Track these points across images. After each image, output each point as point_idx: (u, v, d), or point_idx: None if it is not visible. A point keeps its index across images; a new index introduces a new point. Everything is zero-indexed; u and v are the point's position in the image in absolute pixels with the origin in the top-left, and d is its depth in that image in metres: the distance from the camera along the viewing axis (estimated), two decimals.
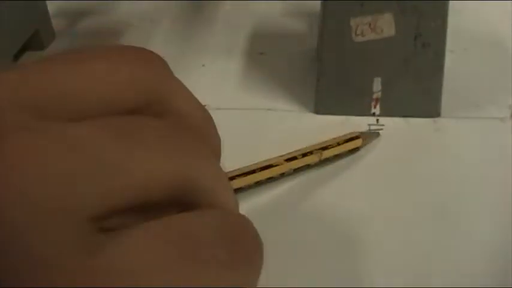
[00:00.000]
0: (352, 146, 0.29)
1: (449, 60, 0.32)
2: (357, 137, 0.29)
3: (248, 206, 0.26)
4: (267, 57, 0.37)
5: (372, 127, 0.32)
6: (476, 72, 0.36)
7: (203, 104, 0.16)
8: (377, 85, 0.32)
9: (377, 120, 0.32)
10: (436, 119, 0.32)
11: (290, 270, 0.24)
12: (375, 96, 0.32)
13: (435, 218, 0.26)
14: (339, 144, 0.28)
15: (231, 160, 0.28)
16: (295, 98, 0.34)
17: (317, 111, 0.33)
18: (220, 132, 0.17)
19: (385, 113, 0.32)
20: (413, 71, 0.31)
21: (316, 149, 0.28)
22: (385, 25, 0.30)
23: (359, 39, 0.30)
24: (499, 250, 0.25)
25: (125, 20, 0.42)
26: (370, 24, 0.30)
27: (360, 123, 0.32)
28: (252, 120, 0.32)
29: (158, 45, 0.39)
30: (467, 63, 0.37)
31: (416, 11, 0.30)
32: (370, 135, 0.30)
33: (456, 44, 0.37)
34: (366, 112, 0.32)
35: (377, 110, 0.32)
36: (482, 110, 0.33)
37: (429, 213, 0.26)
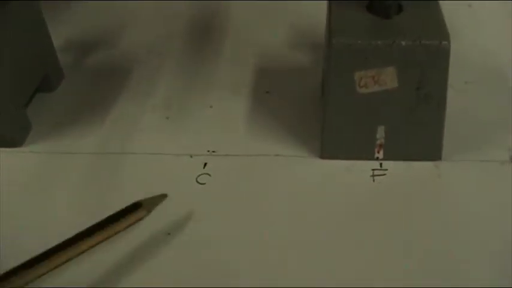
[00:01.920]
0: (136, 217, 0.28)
1: (449, 97, 0.33)
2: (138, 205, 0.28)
3: None
4: (273, 97, 0.38)
5: (376, 172, 0.33)
6: (477, 110, 0.37)
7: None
8: (380, 133, 0.33)
9: (380, 164, 0.33)
10: (437, 162, 0.33)
11: None
12: (378, 142, 0.33)
13: (438, 263, 0.28)
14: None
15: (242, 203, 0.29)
16: (301, 142, 0.35)
17: (323, 156, 0.34)
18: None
19: (389, 157, 0.33)
20: (415, 120, 0.32)
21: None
22: (388, 78, 0.31)
23: (363, 90, 0.31)
24: None
25: (132, 54, 0.43)
26: (373, 77, 0.31)
27: (364, 168, 0.33)
28: (260, 166, 0.34)
29: (166, 84, 0.40)
30: (467, 100, 0.38)
31: (418, 65, 0.31)
32: (155, 200, 0.29)
33: (456, 77, 0.38)
34: (370, 157, 0.33)
35: (380, 155, 0.33)
36: (482, 152, 0.34)
37: (432, 259, 0.28)
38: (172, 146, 0.35)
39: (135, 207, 0.28)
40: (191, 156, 0.34)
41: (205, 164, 0.33)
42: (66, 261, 0.26)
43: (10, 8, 0.35)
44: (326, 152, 0.34)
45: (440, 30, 0.31)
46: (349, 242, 0.29)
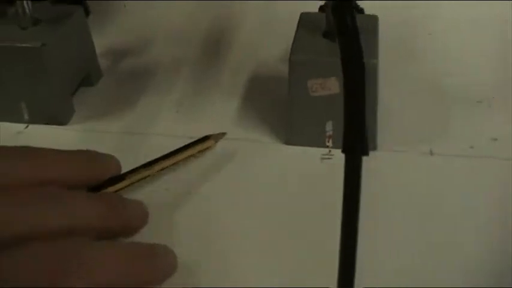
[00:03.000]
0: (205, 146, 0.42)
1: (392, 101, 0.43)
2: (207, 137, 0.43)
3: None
4: (262, 97, 0.50)
5: (324, 156, 0.44)
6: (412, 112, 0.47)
7: None
8: (329, 126, 0.44)
9: (329, 151, 0.44)
10: (373, 152, 0.44)
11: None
12: (327, 134, 0.44)
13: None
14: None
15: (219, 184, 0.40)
16: (275, 132, 0.46)
17: (287, 143, 0.45)
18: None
19: (336, 146, 0.44)
20: None
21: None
22: (332, 85, 0.42)
23: (314, 94, 0.42)
24: None
25: (157, 60, 0.55)
26: (321, 84, 0.42)
27: (316, 153, 0.44)
28: (240, 149, 0.45)
29: (180, 85, 0.52)
30: (407, 105, 0.48)
31: None
32: (219, 135, 0.43)
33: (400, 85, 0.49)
34: (322, 145, 0.44)
35: (330, 144, 0.44)
36: (411, 145, 0.44)
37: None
38: (178, 130, 0.46)
39: (204, 138, 0.42)
40: (190, 138, 0.46)
41: None
42: (148, 176, 0.39)
43: (61, 17, 0.47)
44: (290, 139, 0.45)
45: (371, 51, 0.42)
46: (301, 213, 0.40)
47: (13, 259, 0.28)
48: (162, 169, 0.40)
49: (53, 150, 0.36)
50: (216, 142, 0.43)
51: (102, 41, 0.56)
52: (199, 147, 0.42)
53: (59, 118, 0.48)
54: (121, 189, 0.38)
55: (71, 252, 0.29)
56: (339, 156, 0.44)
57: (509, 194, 0.40)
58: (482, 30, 0.56)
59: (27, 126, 0.48)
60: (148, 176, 0.40)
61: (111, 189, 0.38)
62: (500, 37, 0.55)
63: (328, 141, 0.44)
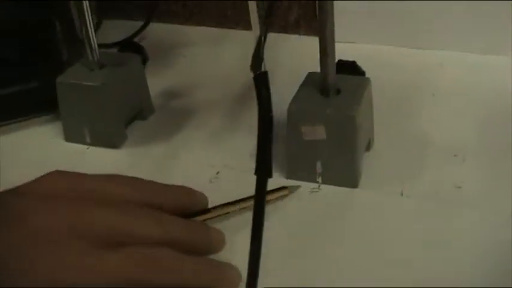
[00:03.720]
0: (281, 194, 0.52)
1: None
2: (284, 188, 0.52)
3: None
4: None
5: (313, 189, 0.54)
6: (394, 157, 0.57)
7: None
8: (318, 165, 0.54)
9: (319, 186, 0.54)
10: (354, 189, 0.54)
11: None
12: (318, 171, 0.54)
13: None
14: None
15: None
16: (280, 167, 0.56)
17: (287, 177, 0.55)
18: None
19: (325, 182, 0.54)
20: (338, 160, 0.53)
21: None
22: (320, 132, 0.52)
23: (306, 138, 0.53)
24: None
25: (195, 101, 0.67)
26: (311, 130, 0.52)
27: (308, 186, 0.54)
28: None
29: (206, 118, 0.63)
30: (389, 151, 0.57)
31: (336, 124, 0.52)
32: (294, 187, 0.53)
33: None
34: (314, 180, 0.54)
35: (320, 180, 0.54)
36: (391, 186, 0.53)
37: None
38: (206, 158, 0.58)
39: (281, 188, 0.52)
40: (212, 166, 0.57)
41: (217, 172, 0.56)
42: (229, 212, 0.48)
43: (122, 63, 0.60)
44: (289, 175, 0.55)
45: (352, 106, 0.52)
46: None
47: (115, 256, 0.36)
48: (242, 208, 0.50)
49: (158, 183, 0.45)
50: (290, 192, 0.53)
51: (159, 82, 0.69)
52: (276, 194, 0.52)
53: (113, 142, 0.61)
54: (206, 219, 0.47)
55: (158, 257, 0.38)
56: (324, 190, 0.54)
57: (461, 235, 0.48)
58: (480, 94, 0.65)
59: (88, 148, 0.61)
60: (229, 212, 0.49)
61: (198, 218, 0.47)
62: (495, 103, 0.63)
63: (318, 178, 0.54)
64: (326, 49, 0.51)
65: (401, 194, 0.52)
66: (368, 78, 0.56)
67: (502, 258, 0.45)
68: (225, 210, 0.49)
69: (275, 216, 0.50)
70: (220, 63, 0.74)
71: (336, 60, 0.57)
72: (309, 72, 0.56)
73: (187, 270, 0.38)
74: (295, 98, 0.53)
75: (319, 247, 0.48)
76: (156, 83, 0.68)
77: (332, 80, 0.53)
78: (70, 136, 0.62)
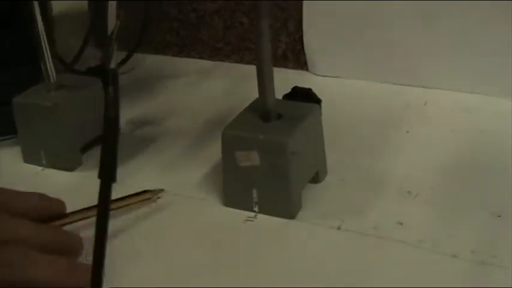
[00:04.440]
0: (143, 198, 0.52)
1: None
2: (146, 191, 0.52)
3: None
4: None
5: (249, 218, 0.51)
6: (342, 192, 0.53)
7: None
8: (255, 193, 0.51)
9: (255, 215, 0.52)
10: (290, 220, 0.51)
11: None
12: (254, 200, 0.51)
13: None
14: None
15: None
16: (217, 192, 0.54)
17: (225, 205, 0.53)
18: None
19: (261, 211, 0.51)
20: (273, 189, 0.50)
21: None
22: (254, 158, 0.50)
23: (241, 164, 0.50)
24: None
25: (165, 132, 0.66)
26: (245, 156, 0.50)
27: (244, 215, 0.51)
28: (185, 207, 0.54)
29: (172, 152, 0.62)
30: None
31: (270, 151, 0.49)
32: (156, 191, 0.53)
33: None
34: (251, 209, 0.52)
35: (256, 209, 0.52)
36: (331, 220, 0.50)
37: None
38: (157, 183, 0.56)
39: (144, 192, 0.52)
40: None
41: None
42: (89, 217, 0.47)
43: (81, 85, 0.60)
44: (226, 202, 0.53)
45: (287, 133, 0.49)
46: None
47: None
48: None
49: (11, 190, 0.47)
50: (154, 196, 0.52)
51: (132, 110, 0.68)
52: (138, 198, 0.52)
53: (67, 166, 0.60)
54: (64, 224, 0.48)
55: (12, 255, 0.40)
56: (260, 220, 0.51)
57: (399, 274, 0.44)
58: (457, 136, 0.61)
59: (43, 169, 0.61)
60: (89, 217, 0.48)
61: (57, 223, 0.47)
62: (466, 145, 0.59)
63: (255, 207, 0.52)
64: (263, 73, 0.49)
65: (339, 228, 0.49)
66: (316, 105, 0.53)
67: None
68: (84, 215, 0.48)
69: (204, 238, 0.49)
70: (200, 95, 0.74)
71: (292, 86, 0.55)
72: (256, 98, 0.54)
73: (34, 266, 0.39)
74: (232, 122, 0.51)
75: (236, 275, 0.45)
76: (129, 111, 0.67)
77: (271, 105, 0.50)
78: (27, 157, 0.61)
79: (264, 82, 0.50)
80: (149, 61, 0.81)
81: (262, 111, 0.51)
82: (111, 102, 0.32)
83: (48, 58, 0.58)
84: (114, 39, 0.33)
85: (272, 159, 0.49)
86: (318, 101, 0.57)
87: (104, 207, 0.32)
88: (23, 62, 0.66)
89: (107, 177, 0.32)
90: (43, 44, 0.58)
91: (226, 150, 0.51)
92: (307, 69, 0.74)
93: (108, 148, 0.32)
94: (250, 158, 0.50)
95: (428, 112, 0.66)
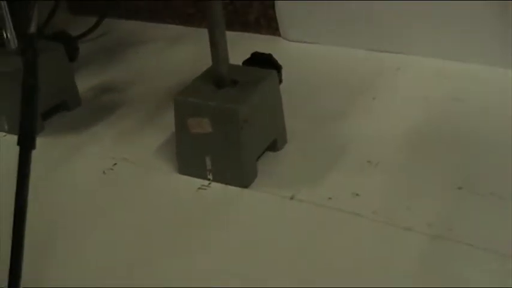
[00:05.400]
0: None
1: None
2: None
3: None
4: None
5: (202, 187, 0.50)
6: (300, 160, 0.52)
7: None
8: (208, 161, 0.50)
9: (209, 183, 0.51)
10: (243, 189, 0.50)
11: None
12: (207, 168, 0.50)
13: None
14: None
15: None
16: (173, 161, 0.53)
17: (180, 172, 0.52)
18: None
19: (215, 179, 0.50)
20: (229, 155, 0.49)
21: None
22: (206, 125, 0.49)
23: (193, 131, 0.49)
24: None
25: (127, 99, 0.65)
26: (197, 123, 0.49)
27: (197, 183, 0.51)
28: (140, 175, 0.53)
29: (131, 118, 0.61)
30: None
31: (221, 119, 0.48)
32: None
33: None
34: (205, 177, 0.51)
35: (210, 177, 0.51)
36: (285, 190, 0.49)
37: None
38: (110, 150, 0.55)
39: None
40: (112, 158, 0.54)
41: None
42: None
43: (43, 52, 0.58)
44: (180, 170, 0.52)
45: (240, 100, 0.48)
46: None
47: None
48: None
49: None
50: None
51: (98, 77, 0.67)
52: None
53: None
54: None
55: None
56: (213, 188, 0.50)
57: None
58: (426, 103, 0.59)
59: (5, 135, 0.60)
60: None
61: None
62: (436, 113, 0.58)
63: (209, 175, 0.51)
64: (215, 38, 0.48)
65: (292, 198, 0.48)
66: (272, 71, 0.52)
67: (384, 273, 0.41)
68: None
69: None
70: (169, 61, 0.72)
71: (252, 51, 0.54)
72: (211, 65, 0.53)
73: None
74: (185, 89, 0.50)
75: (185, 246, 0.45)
76: (94, 78, 0.67)
77: (224, 71, 0.49)
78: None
79: (217, 48, 0.49)
80: (122, 26, 0.79)
81: (215, 77, 0.50)
82: (30, 66, 0.31)
83: (9, 22, 0.57)
84: (35, 3, 0.32)
85: (224, 127, 0.48)
86: (277, 67, 0.55)
87: (23, 174, 0.31)
88: None
89: (26, 144, 0.31)
90: (4, 8, 0.57)
91: (179, 117, 0.50)
92: (279, 35, 0.72)
93: (27, 115, 0.30)
94: (202, 125, 0.49)
95: (400, 79, 0.64)
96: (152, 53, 0.74)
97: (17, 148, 0.56)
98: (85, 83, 0.65)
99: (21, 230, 0.31)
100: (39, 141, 0.56)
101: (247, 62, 0.56)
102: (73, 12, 0.80)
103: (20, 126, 0.31)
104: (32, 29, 0.32)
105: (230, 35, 0.50)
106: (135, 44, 0.76)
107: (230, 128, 0.48)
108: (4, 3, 0.57)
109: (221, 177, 0.50)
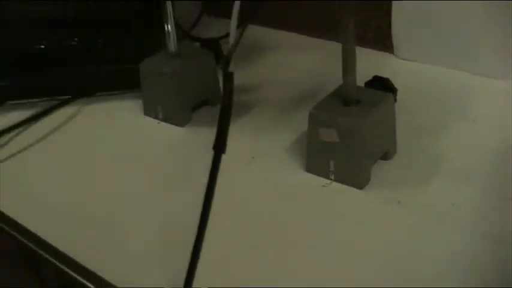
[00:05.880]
0: None
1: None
2: None
3: None
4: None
5: (325, 185, 0.62)
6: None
7: None
8: (332, 164, 0.62)
9: (331, 182, 0.62)
10: (359, 190, 0.61)
11: None
12: (331, 169, 0.62)
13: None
14: None
15: None
16: (301, 159, 0.65)
17: (307, 171, 0.64)
18: None
19: (336, 179, 0.62)
20: (350, 161, 0.60)
21: None
22: (334, 135, 0.60)
23: (322, 139, 0.61)
24: None
25: (259, 100, 0.77)
26: (326, 133, 0.60)
27: (322, 181, 0.62)
28: (271, 169, 0.65)
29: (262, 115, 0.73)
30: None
31: (346, 131, 0.59)
32: None
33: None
34: (327, 177, 0.62)
35: (332, 177, 0.62)
36: (393, 193, 0.60)
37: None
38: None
39: None
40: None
41: None
42: None
43: (195, 52, 0.71)
44: (308, 169, 0.64)
45: (362, 117, 0.59)
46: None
47: None
48: None
49: None
50: None
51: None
52: None
53: (179, 121, 0.72)
54: None
55: None
56: (334, 187, 0.61)
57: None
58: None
59: (159, 123, 0.73)
60: None
61: None
62: None
63: (331, 175, 0.62)
64: (348, 67, 0.59)
65: (399, 202, 0.59)
66: (389, 94, 0.62)
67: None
68: None
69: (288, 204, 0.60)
70: (296, 68, 0.83)
71: (373, 75, 0.65)
72: (341, 84, 0.64)
73: None
74: (318, 104, 0.62)
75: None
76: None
77: (351, 91, 0.60)
78: (147, 111, 0.74)
79: (348, 75, 0.60)
80: (253, 32, 0.91)
81: (344, 96, 0.61)
82: (227, 97, 0.43)
83: (172, 30, 0.70)
84: (234, 47, 0.44)
85: (348, 138, 0.59)
86: (393, 90, 0.66)
87: (213, 176, 0.43)
88: (145, 27, 0.78)
89: (219, 150, 0.43)
90: (169, 16, 0.69)
91: (311, 126, 0.61)
92: (392, 53, 0.83)
93: (222, 129, 0.43)
94: (331, 136, 0.60)
95: (504, 101, 0.73)
96: (277, 60, 0.86)
97: (169, 134, 0.70)
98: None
99: (203, 230, 0.43)
100: (188, 130, 0.70)
101: (368, 84, 0.67)
102: (214, 14, 0.92)
103: (217, 136, 0.43)
104: (230, 68, 0.44)
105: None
106: (263, 50, 0.88)
107: (353, 140, 0.59)
108: (169, 4, 0.69)
109: (341, 178, 0.61)
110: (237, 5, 0.46)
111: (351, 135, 0.59)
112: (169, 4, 0.68)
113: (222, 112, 0.43)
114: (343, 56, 0.59)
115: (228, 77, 0.44)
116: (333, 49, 0.85)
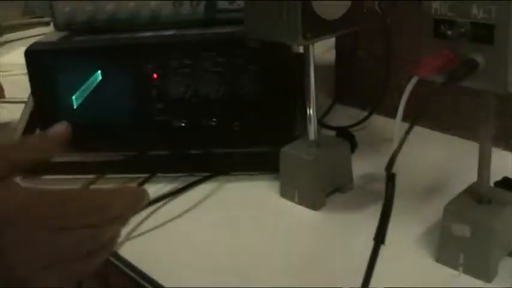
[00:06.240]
0: None
1: None
2: None
3: None
4: None
5: (454, 276, 0.66)
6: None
7: None
8: (461, 257, 0.66)
9: (459, 274, 0.66)
10: (486, 283, 0.65)
11: None
12: (460, 261, 0.66)
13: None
14: None
15: None
16: (431, 249, 0.69)
17: (436, 260, 0.68)
18: None
19: (465, 272, 0.66)
20: (478, 256, 0.64)
21: None
22: (465, 231, 0.64)
23: (455, 233, 0.65)
24: None
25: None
26: (460, 228, 0.65)
27: (450, 272, 0.66)
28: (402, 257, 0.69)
29: None
30: None
31: (478, 229, 0.64)
32: None
33: None
34: (456, 268, 0.67)
35: (461, 269, 0.66)
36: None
37: None
38: None
39: None
40: None
41: None
42: None
43: (331, 145, 0.78)
44: (438, 259, 0.68)
45: (493, 217, 0.63)
46: None
47: None
48: None
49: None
50: None
51: (364, 166, 0.85)
52: None
53: (314, 205, 0.78)
54: None
55: None
56: (464, 279, 0.65)
57: None
58: None
59: (294, 206, 0.80)
60: None
61: None
62: None
63: (460, 267, 0.66)
64: (483, 161, 0.64)
65: None
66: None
67: None
68: None
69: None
70: (419, 161, 0.88)
71: (502, 176, 0.69)
72: (474, 182, 0.69)
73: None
74: (452, 201, 0.67)
75: None
76: (362, 166, 0.84)
77: (484, 190, 0.65)
78: (284, 193, 0.81)
79: (482, 173, 0.65)
80: (376, 121, 0.98)
81: (476, 195, 0.66)
82: (389, 196, 0.48)
83: (314, 119, 0.77)
84: (400, 147, 0.50)
85: (479, 235, 0.63)
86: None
87: (371, 266, 0.48)
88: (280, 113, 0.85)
89: (378, 241, 0.48)
90: (312, 108, 0.76)
91: (446, 221, 0.66)
92: None
93: (383, 223, 0.48)
94: (463, 231, 0.65)
95: None
96: (407, 153, 0.91)
97: (303, 216, 0.76)
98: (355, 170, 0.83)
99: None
100: (321, 214, 0.76)
101: (498, 184, 0.71)
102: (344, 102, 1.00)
103: (377, 229, 0.49)
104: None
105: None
106: (388, 140, 0.93)
107: (483, 237, 0.63)
108: (313, 92, 0.76)
109: (469, 271, 0.65)
110: (403, 102, 0.52)
111: (482, 233, 0.63)
112: (312, 93, 0.75)
113: (384, 207, 0.48)
114: (480, 154, 0.64)
115: (391, 178, 0.49)
116: (462, 146, 0.91)
